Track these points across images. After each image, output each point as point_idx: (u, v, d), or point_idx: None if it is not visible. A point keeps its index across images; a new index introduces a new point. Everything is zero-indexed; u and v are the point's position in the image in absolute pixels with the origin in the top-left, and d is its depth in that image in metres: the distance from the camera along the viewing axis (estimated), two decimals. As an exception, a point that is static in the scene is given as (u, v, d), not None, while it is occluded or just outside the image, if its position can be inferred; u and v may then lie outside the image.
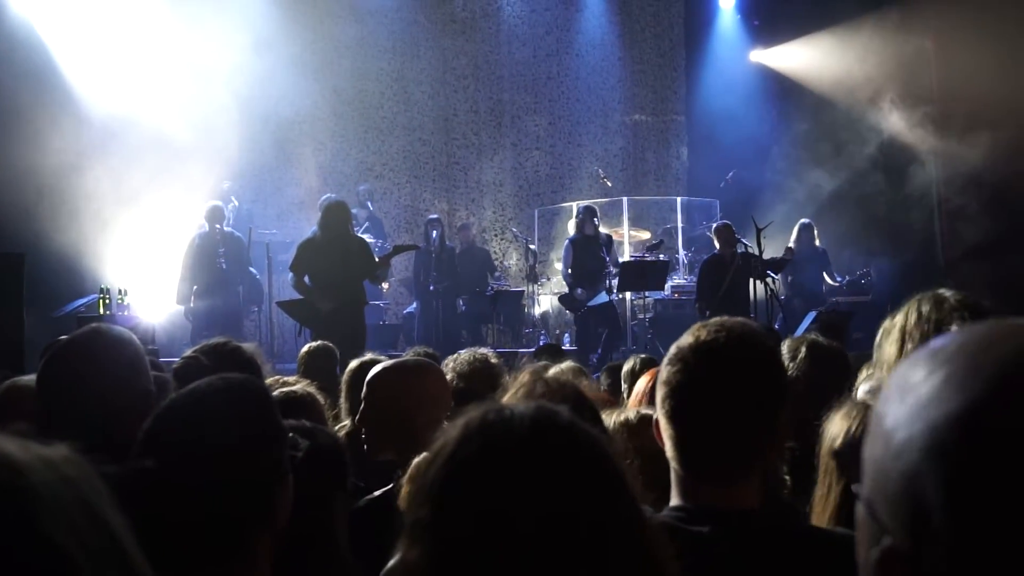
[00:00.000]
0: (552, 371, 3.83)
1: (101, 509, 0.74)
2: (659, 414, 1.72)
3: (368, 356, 3.78)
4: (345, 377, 3.70)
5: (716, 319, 1.75)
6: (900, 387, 0.75)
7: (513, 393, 2.15)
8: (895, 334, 2.21)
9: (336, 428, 3.54)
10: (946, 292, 2.22)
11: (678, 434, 1.68)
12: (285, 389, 3.13)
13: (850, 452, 2.00)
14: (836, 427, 2.11)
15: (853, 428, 2.04)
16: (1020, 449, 0.67)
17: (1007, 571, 0.66)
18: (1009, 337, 0.73)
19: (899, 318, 2.22)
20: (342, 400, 3.71)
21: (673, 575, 1.09)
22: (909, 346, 2.12)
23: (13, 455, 0.71)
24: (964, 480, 0.68)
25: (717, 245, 10.21)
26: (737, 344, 1.68)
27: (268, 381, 3.18)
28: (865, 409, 2.09)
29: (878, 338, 2.27)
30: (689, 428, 1.67)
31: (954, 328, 1.99)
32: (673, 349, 1.72)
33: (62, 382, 2.30)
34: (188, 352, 2.88)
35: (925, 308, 2.19)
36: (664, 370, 1.72)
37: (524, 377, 2.18)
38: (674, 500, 1.70)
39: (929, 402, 0.71)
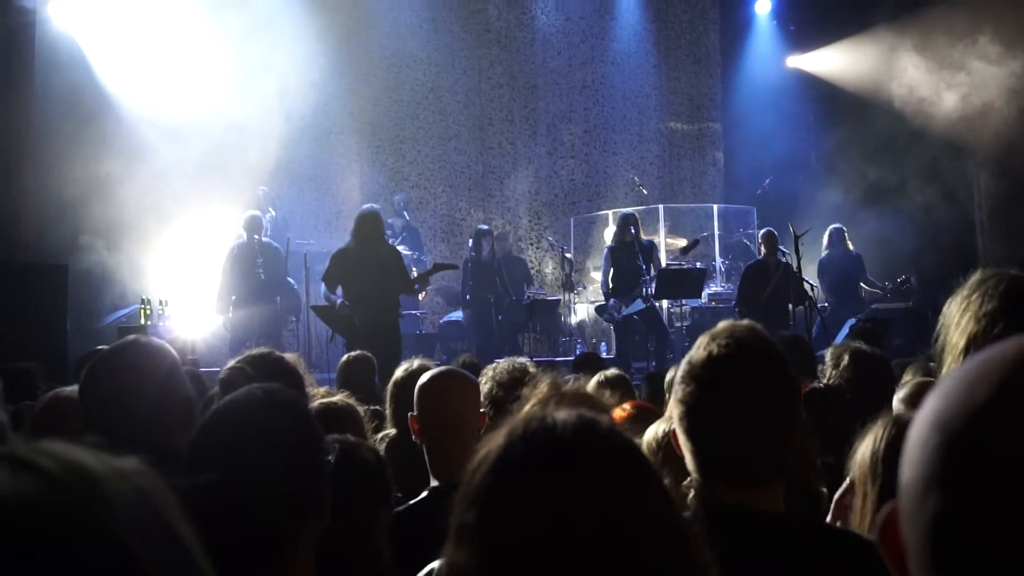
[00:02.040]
0: (594, 379, 3.82)
1: (173, 521, 0.75)
2: (677, 429, 1.76)
3: (416, 363, 3.80)
4: (391, 386, 3.71)
5: (724, 325, 1.77)
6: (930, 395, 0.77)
7: (532, 404, 2.16)
8: (959, 320, 2.04)
9: (379, 436, 3.55)
10: (1011, 272, 2.06)
11: (698, 450, 1.73)
12: (325, 401, 3.15)
13: (876, 462, 2.00)
14: (867, 439, 2.09)
15: (879, 436, 2.03)
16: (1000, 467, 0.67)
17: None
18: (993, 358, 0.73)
19: (959, 300, 2.05)
20: (387, 408, 3.72)
21: None
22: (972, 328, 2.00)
23: (89, 466, 0.71)
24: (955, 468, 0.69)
25: (761, 251, 10.17)
26: (747, 356, 1.70)
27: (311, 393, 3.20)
28: (895, 419, 2.07)
29: (938, 328, 2.16)
30: (709, 444, 1.72)
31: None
32: (685, 366, 1.76)
33: (105, 393, 2.33)
34: (232, 362, 2.91)
35: (984, 292, 2.02)
36: (678, 388, 1.75)
37: (542, 388, 2.19)
38: (698, 507, 1.73)
39: (935, 399, 0.74)
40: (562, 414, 1.10)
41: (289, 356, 3.04)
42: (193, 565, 0.75)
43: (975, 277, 2.02)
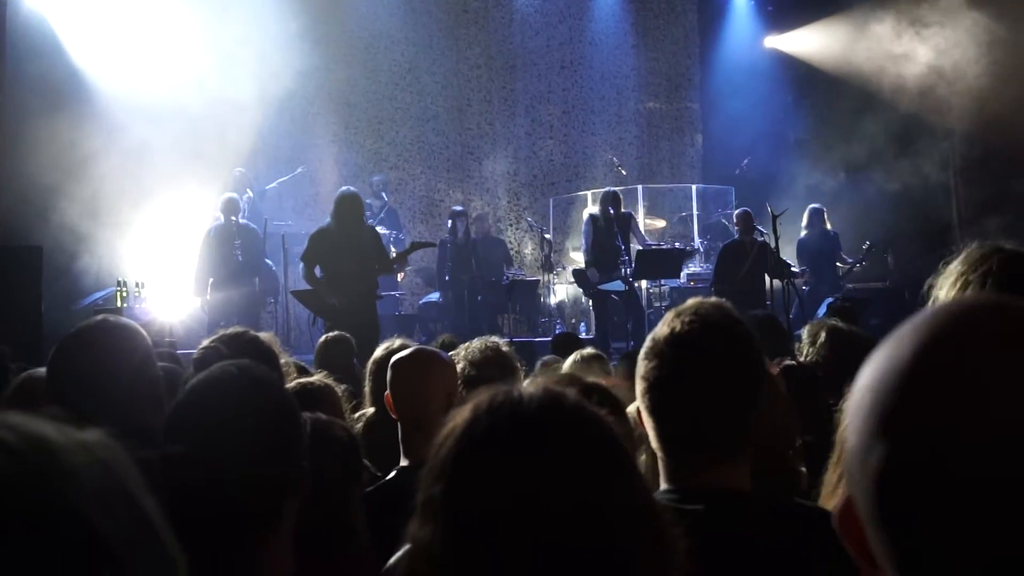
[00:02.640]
0: (571, 358, 3.83)
1: (135, 493, 0.75)
2: (640, 407, 1.75)
3: (397, 342, 3.79)
4: (370, 364, 3.72)
5: (691, 303, 1.76)
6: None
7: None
8: (948, 286, 2.01)
9: (357, 415, 3.56)
10: (1005, 246, 2.02)
11: (661, 427, 1.72)
12: (303, 380, 3.15)
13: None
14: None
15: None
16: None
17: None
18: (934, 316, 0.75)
19: (952, 270, 2.02)
20: (366, 386, 3.73)
21: (680, 555, 1.11)
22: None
23: (51, 437, 0.71)
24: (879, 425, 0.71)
25: (737, 231, 10.19)
26: (712, 333, 1.69)
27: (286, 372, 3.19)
28: None
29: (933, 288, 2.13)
30: (671, 421, 1.71)
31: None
32: (649, 342, 1.75)
33: (72, 372, 2.33)
34: (207, 342, 2.90)
35: (975, 258, 1.99)
36: (641, 364, 1.74)
37: (554, 378, 2.19)
38: (663, 484, 1.73)
39: (873, 360, 0.75)
40: (529, 388, 1.09)
41: (264, 335, 3.03)
42: (155, 538, 0.75)
43: (972, 250, 2.00)
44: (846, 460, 0.76)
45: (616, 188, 11.63)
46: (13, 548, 0.64)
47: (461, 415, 1.08)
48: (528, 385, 1.11)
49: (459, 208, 11.76)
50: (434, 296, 11.91)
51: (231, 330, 2.99)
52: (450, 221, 11.45)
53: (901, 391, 0.70)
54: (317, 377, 3.28)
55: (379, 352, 3.76)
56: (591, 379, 2.12)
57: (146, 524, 0.74)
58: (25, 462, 0.68)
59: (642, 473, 1.12)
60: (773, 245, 9.23)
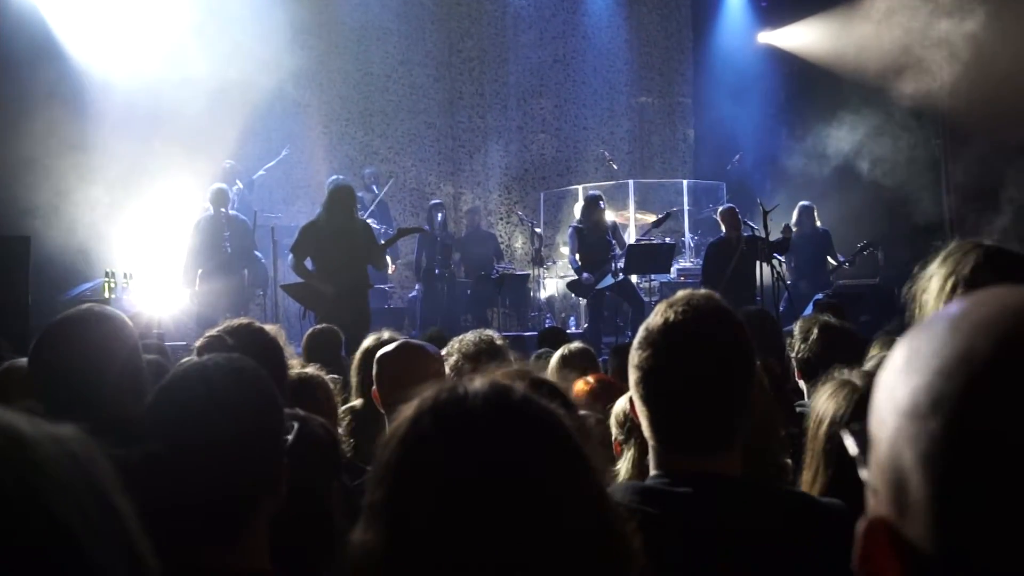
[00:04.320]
0: (558, 353, 3.82)
1: (106, 489, 0.74)
2: (633, 396, 1.76)
3: (387, 334, 3.78)
4: (358, 356, 3.71)
5: (683, 294, 1.77)
6: (893, 358, 0.75)
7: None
8: (935, 284, 2.01)
9: (345, 408, 3.54)
10: (985, 242, 2.03)
11: (654, 416, 1.73)
12: (299, 372, 3.13)
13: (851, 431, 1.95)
14: (824, 406, 2.08)
15: (843, 411, 2.02)
16: (992, 419, 0.65)
17: (981, 538, 0.64)
18: (985, 307, 0.71)
19: (935, 268, 2.03)
20: (353, 378, 3.72)
21: (634, 551, 1.07)
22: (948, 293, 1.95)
23: (21, 430, 0.70)
24: (937, 445, 0.67)
25: (723, 228, 10.18)
26: (704, 322, 1.71)
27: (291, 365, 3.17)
28: (849, 387, 2.06)
29: (914, 290, 2.09)
30: (663, 410, 1.72)
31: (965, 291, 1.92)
32: (642, 331, 1.76)
33: (53, 362, 2.31)
34: (213, 331, 2.85)
35: (956, 257, 2.00)
36: (634, 354, 1.75)
37: (507, 369, 2.18)
38: (653, 470, 1.74)
39: (911, 369, 0.71)
40: (475, 383, 1.04)
41: (270, 327, 2.99)
42: (125, 535, 0.74)
43: (951, 246, 2.01)
44: (881, 452, 0.71)
45: (602, 183, 11.65)
46: None
47: (405, 413, 1.04)
48: (474, 379, 1.05)
49: (438, 201, 11.81)
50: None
51: (236, 321, 2.94)
52: (428, 213, 11.47)
53: (984, 379, 0.66)
54: (311, 369, 3.27)
55: (368, 343, 3.75)
56: (540, 375, 2.11)
57: (116, 520, 0.73)
58: None
59: (596, 467, 1.06)
60: (764, 237, 9.22)
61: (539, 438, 1.02)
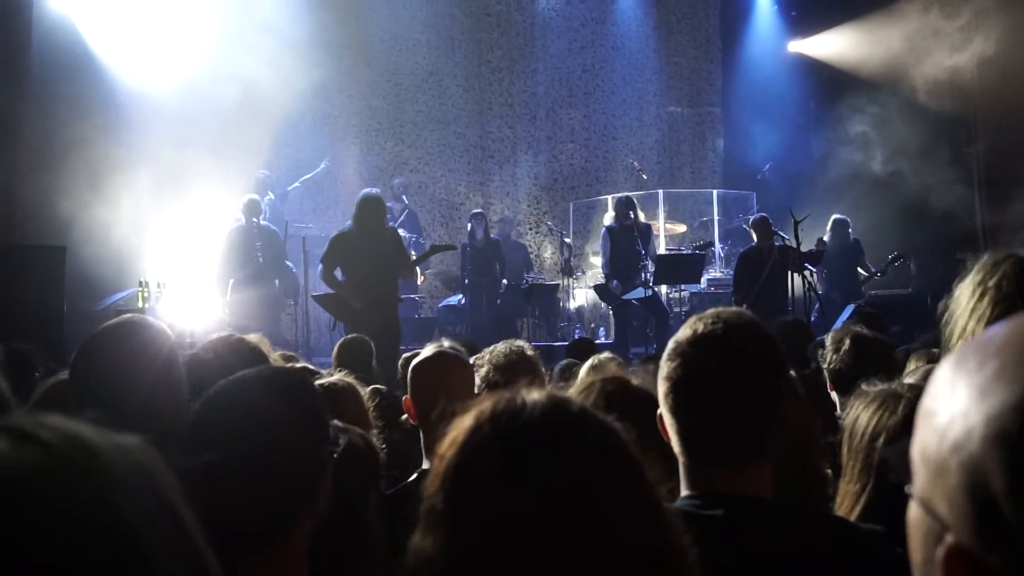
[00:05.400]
0: (587, 363, 3.81)
1: (172, 498, 0.75)
2: (662, 409, 1.74)
3: (447, 343, 3.78)
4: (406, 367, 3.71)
5: (712, 310, 1.77)
6: (950, 380, 0.73)
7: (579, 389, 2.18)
8: (974, 304, 1.96)
9: (403, 419, 3.53)
10: (1018, 253, 1.99)
11: (683, 428, 1.71)
12: (324, 381, 3.14)
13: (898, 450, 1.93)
14: (867, 419, 2.06)
15: (893, 425, 2.00)
16: None
17: None
18: None
19: (971, 278, 1.99)
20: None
21: (690, 561, 1.08)
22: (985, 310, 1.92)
23: (90, 439, 0.72)
24: None
25: (754, 238, 10.14)
26: (734, 334, 1.70)
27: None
28: (896, 400, 2.05)
29: (946, 314, 2.06)
30: (693, 422, 1.70)
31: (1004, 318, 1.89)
32: (672, 344, 1.75)
33: (94, 374, 2.31)
34: (195, 348, 2.91)
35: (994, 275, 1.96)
36: (664, 365, 1.74)
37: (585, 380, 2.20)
38: (684, 490, 1.72)
39: (985, 392, 0.69)
40: (533, 395, 1.07)
41: (252, 337, 3.03)
42: (191, 541, 0.75)
43: (985, 259, 1.98)
44: (956, 479, 0.70)
45: (632, 193, 11.64)
46: (54, 545, 0.65)
47: (463, 423, 1.06)
48: (532, 391, 1.08)
49: (478, 211, 11.81)
50: (453, 299, 11.92)
51: (215, 335, 3.00)
52: (469, 224, 11.49)
53: None
54: (338, 377, 3.27)
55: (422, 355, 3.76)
56: (636, 383, 2.12)
57: (182, 529, 0.74)
58: (66, 461, 0.68)
59: (654, 480, 1.08)
60: (796, 247, 9.18)
61: (595, 451, 1.04)
